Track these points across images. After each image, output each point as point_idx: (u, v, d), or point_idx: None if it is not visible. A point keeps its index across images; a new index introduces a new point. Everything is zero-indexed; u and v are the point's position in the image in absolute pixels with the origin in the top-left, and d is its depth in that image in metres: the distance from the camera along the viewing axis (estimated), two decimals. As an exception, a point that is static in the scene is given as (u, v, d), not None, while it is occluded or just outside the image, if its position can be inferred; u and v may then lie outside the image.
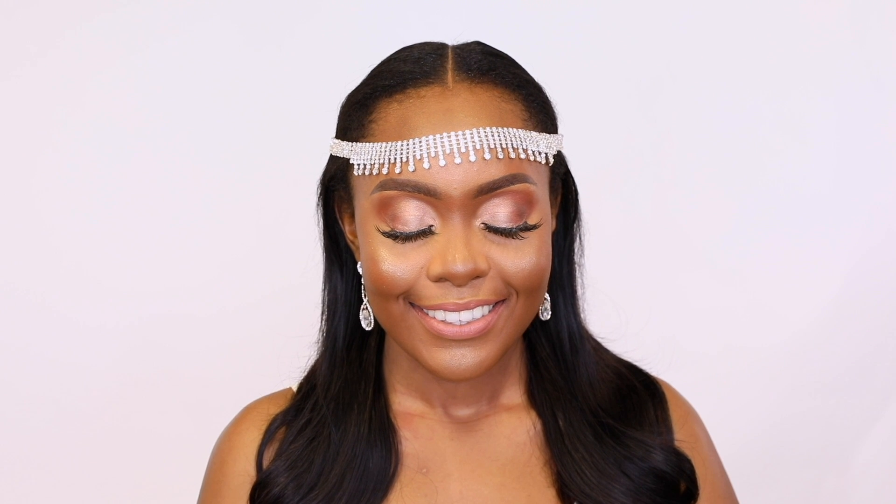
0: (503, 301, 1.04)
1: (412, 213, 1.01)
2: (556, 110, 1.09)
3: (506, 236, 1.02)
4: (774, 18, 1.98)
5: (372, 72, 1.08)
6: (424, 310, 1.03)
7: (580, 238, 1.16)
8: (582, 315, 1.18)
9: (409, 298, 1.03)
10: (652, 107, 1.99)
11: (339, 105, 1.10)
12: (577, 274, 1.17)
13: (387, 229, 1.02)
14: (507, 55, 1.08)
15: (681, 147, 1.99)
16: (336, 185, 1.10)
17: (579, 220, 1.15)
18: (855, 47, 1.99)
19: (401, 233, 1.02)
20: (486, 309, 1.03)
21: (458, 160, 0.99)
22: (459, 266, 1.00)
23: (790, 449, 1.98)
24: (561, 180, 1.12)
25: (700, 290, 1.99)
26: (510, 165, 1.01)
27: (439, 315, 1.03)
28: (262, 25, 1.93)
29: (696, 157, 2.00)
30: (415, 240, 1.02)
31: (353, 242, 1.12)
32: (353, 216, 1.09)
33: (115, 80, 1.90)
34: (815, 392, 1.99)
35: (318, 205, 1.13)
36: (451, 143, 0.99)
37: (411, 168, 1.00)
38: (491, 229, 1.02)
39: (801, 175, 2.01)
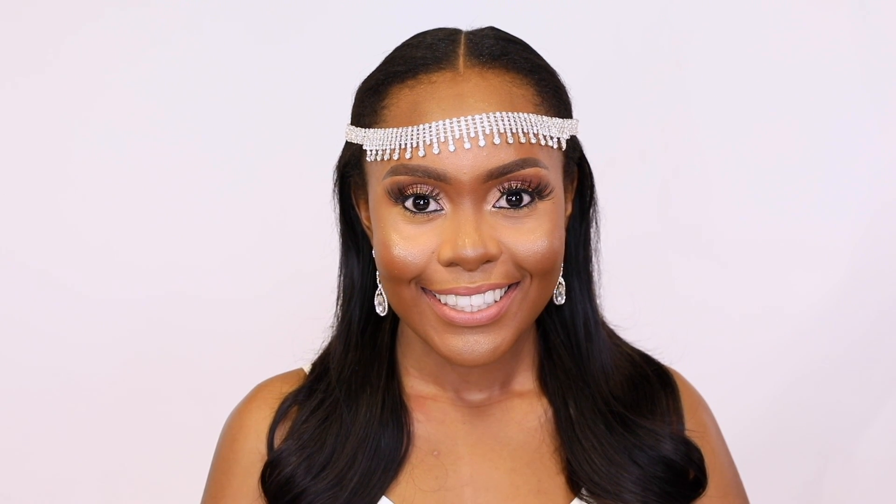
0: (516, 284, 1.04)
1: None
2: (570, 95, 1.09)
3: (516, 208, 1.02)
4: (782, 8, 1.96)
5: (386, 58, 1.09)
6: (436, 295, 1.04)
7: (596, 223, 1.16)
8: (598, 301, 1.18)
9: (421, 283, 1.04)
10: (658, 97, 1.97)
11: (354, 91, 1.10)
12: (594, 259, 1.17)
13: (399, 206, 1.03)
14: (520, 40, 1.08)
15: (686, 137, 1.98)
16: (351, 171, 1.11)
17: (595, 204, 1.15)
18: (861, 36, 1.97)
19: (411, 209, 1.02)
20: (497, 293, 1.04)
21: (467, 145, 0.99)
22: (469, 251, 1.00)
23: (793, 437, 1.97)
24: (576, 165, 1.12)
25: (702, 279, 1.98)
26: (521, 150, 1.01)
27: (451, 300, 1.03)
28: (273, 17, 1.94)
29: (701, 146, 1.99)
30: (426, 223, 1.03)
31: (368, 228, 1.13)
32: (368, 202, 1.09)
33: (139, 67, 1.91)
34: (818, 380, 1.98)
35: (334, 191, 1.14)
36: (460, 127, 0.99)
37: (421, 153, 1.00)
38: (502, 203, 1.02)
39: (805, 164, 1.98)
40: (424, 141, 1.00)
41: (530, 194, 1.03)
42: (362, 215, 1.14)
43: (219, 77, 1.92)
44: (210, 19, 1.92)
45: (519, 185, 1.02)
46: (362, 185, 1.10)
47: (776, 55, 1.96)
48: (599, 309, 1.18)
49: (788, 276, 1.98)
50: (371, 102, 1.06)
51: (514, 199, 1.02)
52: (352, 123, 1.09)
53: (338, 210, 1.15)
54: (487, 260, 1.02)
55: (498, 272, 1.03)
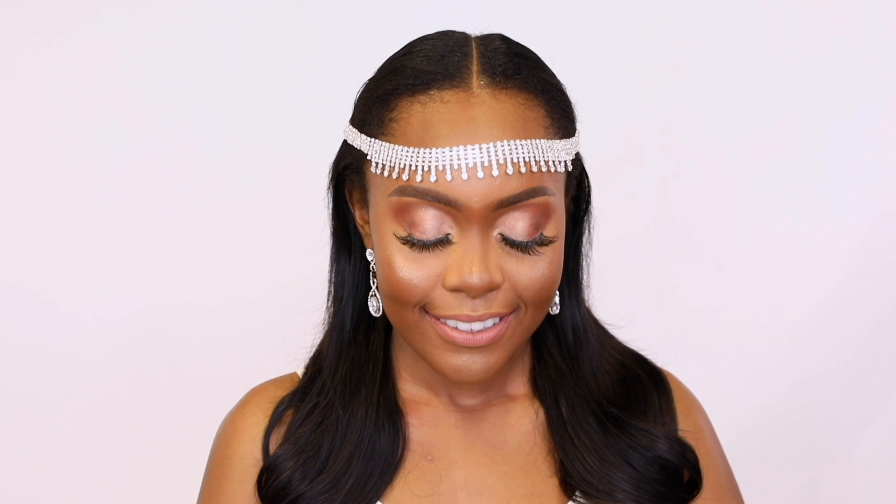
0: (513, 311, 1.04)
1: (430, 222, 1.01)
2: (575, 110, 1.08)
3: (522, 251, 1.02)
4: (782, 10, 1.95)
5: (394, 63, 1.05)
6: (438, 318, 1.04)
7: (589, 231, 1.16)
8: (587, 306, 1.18)
9: (424, 307, 1.04)
10: (657, 98, 1.97)
11: (357, 91, 1.08)
12: (584, 265, 1.17)
13: (404, 234, 1.02)
14: (531, 54, 1.06)
15: (684, 139, 1.98)
16: (350, 173, 1.09)
17: (590, 214, 1.15)
18: (861, 39, 1.96)
19: (418, 240, 1.01)
20: (496, 318, 1.04)
21: (480, 174, 0.98)
22: (476, 278, 1.00)
23: (791, 440, 2.00)
24: (575, 179, 1.11)
25: (700, 281, 1.99)
26: (531, 179, 1.00)
27: (452, 322, 1.03)
28: (269, 23, 1.91)
29: (700, 148, 1.99)
30: (432, 249, 1.02)
31: (362, 228, 1.11)
32: (363, 203, 1.08)
33: (119, 71, 1.88)
34: (817, 384, 2.01)
35: (328, 188, 1.12)
36: (474, 155, 0.98)
37: (433, 178, 0.98)
38: (508, 242, 1.02)
39: (804, 167, 2.00)
40: (437, 166, 0.98)
41: None
42: (357, 214, 1.12)
43: (214, 82, 1.90)
44: (205, 25, 1.89)
45: None
46: (360, 188, 1.08)
47: (776, 57, 1.96)
48: (590, 313, 1.19)
49: (786, 280, 2.00)
50: (378, 111, 1.03)
51: None
52: (354, 126, 1.07)
53: (331, 207, 1.13)
54: (492, 288, 1.01)
55: (500, 301, 1.03)
